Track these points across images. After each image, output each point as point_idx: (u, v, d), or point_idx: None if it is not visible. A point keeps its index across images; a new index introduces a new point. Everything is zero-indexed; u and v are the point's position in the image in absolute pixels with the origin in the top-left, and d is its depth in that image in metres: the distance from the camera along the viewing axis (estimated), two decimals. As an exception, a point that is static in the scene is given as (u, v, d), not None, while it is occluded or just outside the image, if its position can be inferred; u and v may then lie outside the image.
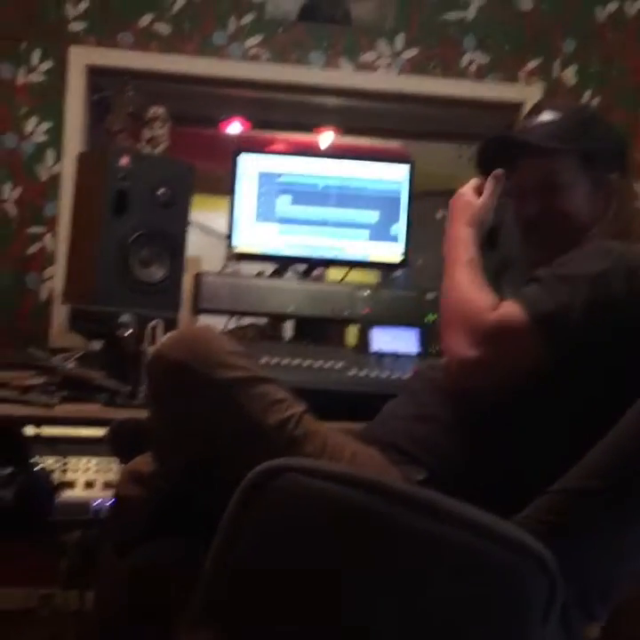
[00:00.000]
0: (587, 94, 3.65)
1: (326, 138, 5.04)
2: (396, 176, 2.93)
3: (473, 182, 1.77)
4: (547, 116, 1.70)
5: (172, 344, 1.50)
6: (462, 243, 1.66)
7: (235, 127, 4.95)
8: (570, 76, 3.67)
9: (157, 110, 2.91)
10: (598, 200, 1.66)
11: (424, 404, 1.63)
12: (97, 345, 2.81)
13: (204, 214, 3.64)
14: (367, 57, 3.62)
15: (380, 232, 2.91)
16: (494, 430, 1.53)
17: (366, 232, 2.91)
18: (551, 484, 1.40)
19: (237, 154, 2.90)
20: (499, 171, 1.71)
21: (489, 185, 1.71)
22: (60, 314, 3.29)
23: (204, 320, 2.70)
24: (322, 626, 1.25)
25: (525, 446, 1.51)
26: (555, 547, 1.28)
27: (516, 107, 3.63)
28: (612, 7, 3.70)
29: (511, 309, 1.49)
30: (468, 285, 1.58)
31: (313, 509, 1.26)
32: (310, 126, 4.91)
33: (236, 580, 1.27)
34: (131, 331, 2.45)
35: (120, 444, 1.90)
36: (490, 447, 1.53)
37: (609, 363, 1.48)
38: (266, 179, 2.90)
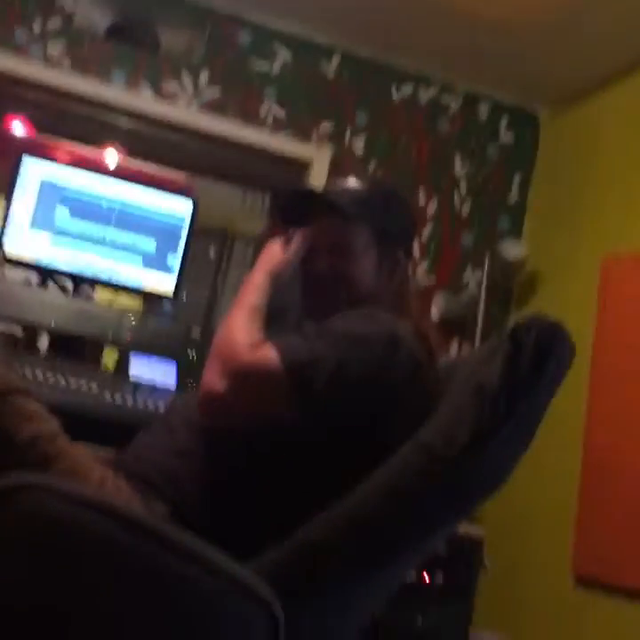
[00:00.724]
0: (371, 166, 3.82)
1: (112, 156, 4.97)
2: (179, 209, 2.95)
3: (282, 238, 1.80)
4: (354, 185, 1.77)
5: None
6: (255, 289, 1.70)
7: (18, 127, 4.79)
8: (359, 145, 3.83)
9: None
10: (383, 273, 1.74)
11: (177, 439, 1.63)
12: None
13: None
14: (169, 86, 3.63)
15: (155, 261, 2.91)
16: (240, 473, 1.55)
17: (141, 258, 2.91)
18: (292, 533, 1.43)
19: (21, 157, 2.82)
20: (308, 231, 1.76)
21: (296, 242, 1.76)
22: None
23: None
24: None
25: (269, 493, 1.53)
26: (280, 597, 1.32)
27: (304, 165, 3.75)
28: (406, 91, 3.92)
29: (267, 354, 1.52)
30: (237, 326, 1.62)
31: (50, 530, 1.23)
32: (97, 141, 4.83)
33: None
34: None
35: None
36: (234, 489, 1.54)
37: (355, 424, 1.53)
38: (48, 186, 2.84)
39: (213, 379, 1.53)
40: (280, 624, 1.31)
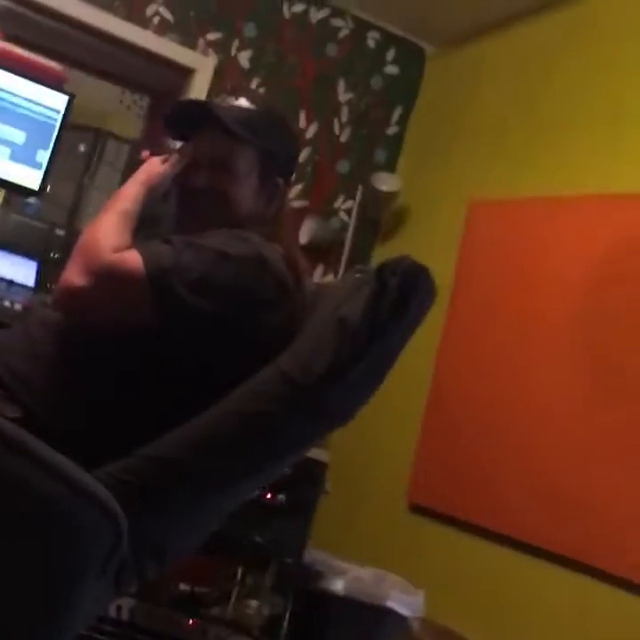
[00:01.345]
0: (255, 81, 3.78)
1: (-16, 37, 4.73)
2: (53, 104, 2.85)
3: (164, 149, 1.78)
4: (244, 103, 1.74)
5: None
6: (126, 196, 1.68)
7: None
8: (244, 58, 3.77)
9: None
10: (261, 197, 1.73)
11: (32, 341, 1.60)
12: None
13: None
14: (53, -28, 3.48)
15: (23, 154, 2.81)
16: (93, 379, 1.55)
17: (8, 150, 2.80)
18: (141, 446, 1.44)
19: None
20: (188, 148, 1.74)
21: (174, 158, 1.73)
22: None
23: None
24: None
25: (121, 401, 1.53)
26: (126, 507, 1.34)
27: (187, 71, 3.67)
28: (298, 8, 3.87)
29: (131, 256, 1.52)
30: (105, 227, 1.59)
31: None
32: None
33: None
34: None
35: None
36: (86, 394, 1.54)
37: (212, 340, 1.54)
38: None
39: (73, 275, 1.51)
40: (123, 533, 1.33)
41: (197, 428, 1.45)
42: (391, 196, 3.81)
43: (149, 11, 3.62)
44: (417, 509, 3.27)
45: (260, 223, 1.69)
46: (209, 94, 3.58)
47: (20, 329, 1.66)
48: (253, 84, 3.76)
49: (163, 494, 1.44)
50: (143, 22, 3.61)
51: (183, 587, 2.87)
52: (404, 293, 1.46)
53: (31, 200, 2.99)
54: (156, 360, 1.54)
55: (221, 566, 2.91)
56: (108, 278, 1.50)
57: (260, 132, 1.71)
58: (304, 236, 3.75)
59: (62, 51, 4.18)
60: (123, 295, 1.51)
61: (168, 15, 3.64)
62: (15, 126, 2.80)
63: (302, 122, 3.85)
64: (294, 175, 1.85)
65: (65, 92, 2.91)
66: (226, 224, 1.65)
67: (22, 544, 1.28)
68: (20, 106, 2.81)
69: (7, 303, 2.25)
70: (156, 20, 3.63)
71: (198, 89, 3.60)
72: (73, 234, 3.00)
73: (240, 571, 2.93)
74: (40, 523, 1.29)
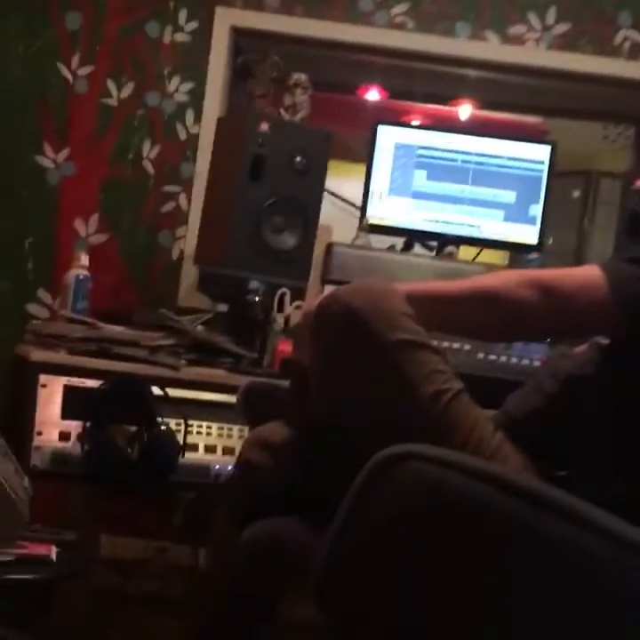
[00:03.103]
0: None
1: (464, 111, 4.93)
2: (537, 156, 2.86)
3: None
4: None
5: (354, 291, 1.44)
6: (431, 291, 1.56)
7: (372, 95, 4.89)
8: None
9: (300, 77, 2.88)
10: None
11: (550, 397, 1.56)
12: (222, 307, 2.84)
13: (334, 180, 3.62)
14: (515, 30, 3.52)
15: (516, 213, 2.84)
16: (620, 427, 1.44)
17: (502, 212, 2.85)
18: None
19: (376, 125, 2.87)
20: None
21: None
22: (188, 274, 3.33)
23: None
24: (437, 624, 1.22)
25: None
26: None
27: (668, 88, 3.49)
28: None
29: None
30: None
31: (436, 500, 1.22)
32: (447, 98, 4.81)
33: (346, 566, 1.26)
34: (259, 297, 2.46)
35: (251, 407, 1.87)
36: (612, 445, 1.45)
37: None
38: (403, 151, 2.86)
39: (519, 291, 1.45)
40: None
41: None
42: None
43: (618, 38, 3.50)
44: None
45: None
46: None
47: (534, 388, 1.63)
48: None
49: None
50: (613, 52, 3.50)
51: None
52: None
53: (532, 256, 3.00)
54: None
55: None
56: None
57: None
58: None
59: (537, 102, 4.22)
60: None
61: (637, 36, 3.50)
62: (504, 187, 2.85)
63: None
64: None
65: (546, 142, 2.90)
66: None
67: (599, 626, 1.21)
68: (505, 166, 2.86)
69: (526, 361, 2.26)
70: (626, 45, 3.50)
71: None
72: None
73: None
74: (614, 600, 1.21)
